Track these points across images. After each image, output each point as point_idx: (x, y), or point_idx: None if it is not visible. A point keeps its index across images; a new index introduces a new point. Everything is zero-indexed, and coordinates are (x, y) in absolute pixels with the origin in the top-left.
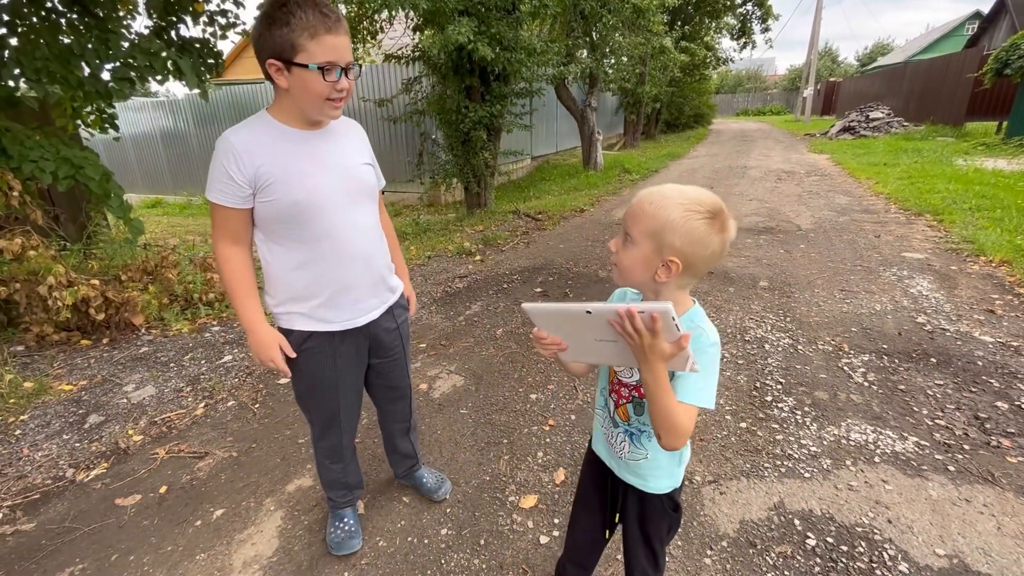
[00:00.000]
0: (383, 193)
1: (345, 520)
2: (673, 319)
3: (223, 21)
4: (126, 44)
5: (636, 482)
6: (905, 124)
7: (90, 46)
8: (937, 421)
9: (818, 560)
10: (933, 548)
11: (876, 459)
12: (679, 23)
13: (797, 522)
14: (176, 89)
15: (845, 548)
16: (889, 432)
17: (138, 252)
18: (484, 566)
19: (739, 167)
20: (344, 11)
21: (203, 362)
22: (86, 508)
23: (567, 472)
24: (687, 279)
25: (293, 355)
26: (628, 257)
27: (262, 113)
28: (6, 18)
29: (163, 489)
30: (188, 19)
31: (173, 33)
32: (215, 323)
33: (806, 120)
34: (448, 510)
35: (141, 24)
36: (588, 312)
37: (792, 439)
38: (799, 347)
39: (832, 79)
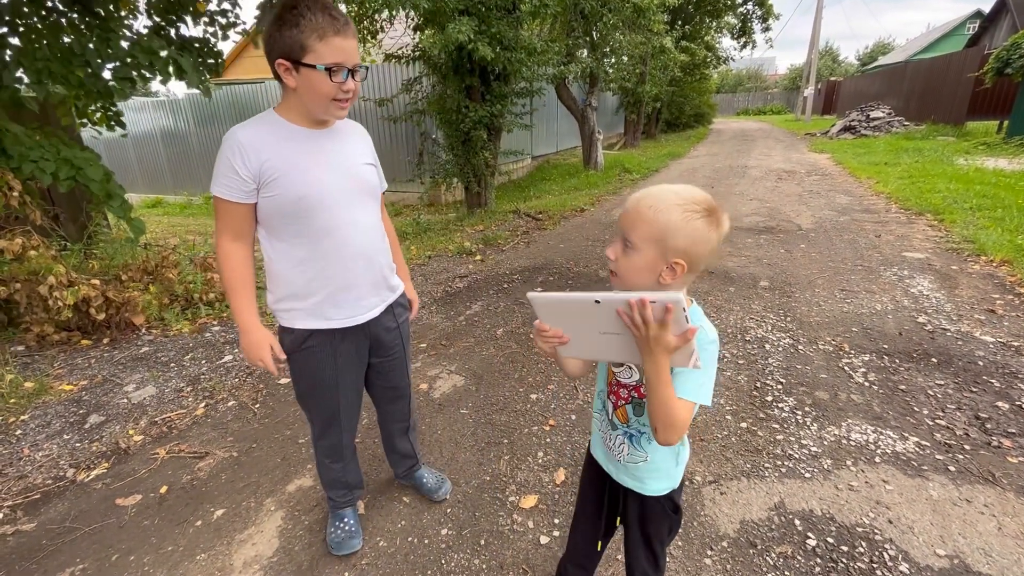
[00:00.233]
0: (383, 194)
1: (345, 520)
2: (684, 310)
3: (223, 21)
4: (127, 44)
5: (634, 485)
6: (906, 123)
7: (91, 46)
8: (938, 421)
9: (818, 560)
10: (934, 548)
11: (877, 459)
12: (679, 22)
13: (797, 522)
14: (176, 89)
15: (846, 548)
16: (890, 432)
17: (139, 252)
18: (484, 566)
19: (739, 166)
20: (345, 11)
21: (203, 362)
22: (86, 508)
23: (567, 472)
24: (687, 278)
25: (283, 357)
26: (630, 264)
27: (269, 111)
28: (7, 18)
29: (163, 489)
30: (188, 19)
31: (173, 32)
32: (215, 323)
33: (807, 119)
34: (448, 510)
35: (141, 24)
36: (597, 302)
37: (793, 439)
38: (800, 347)
39: (833, 78)
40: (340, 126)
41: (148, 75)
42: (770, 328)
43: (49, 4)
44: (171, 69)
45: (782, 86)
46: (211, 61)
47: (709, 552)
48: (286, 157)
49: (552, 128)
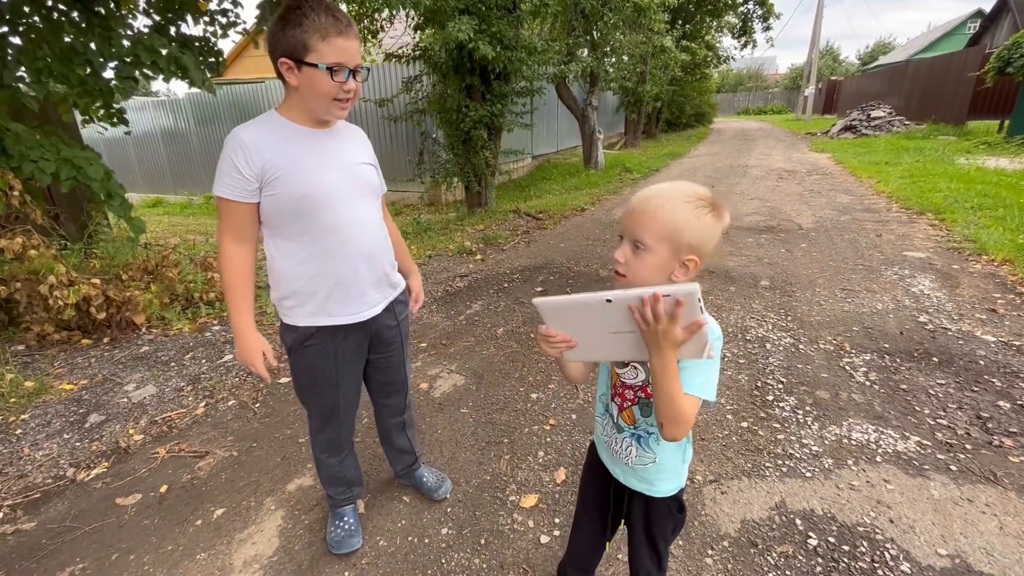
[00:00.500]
0: (383, 196)
1: (345, 519)
2: (699, 300)
3: (224, 20)
4: (128, 42)
5: (643, 487)
6: (907, 123)
7: (92, 45)
8: (939, 420)
9: (820, 560)
10: (935, 548)
11: (878, 459)
12: (680, 22)
13: (799, 522)
14: (177, 88)
15: (847, 548)
16: (891, 432)
17: (139, 251)
18: (485, 566)
19: (740, 166)
20: (345, 10)
21: (204, 361)
22: (86, 507)
23: (568, 471)
24: (694, 273)
25: (274, 364)
26: (643, 265)
27: (271, 112)
28: (7, 17)
29: (163, 488)
30: (189, 18)
31: (174, 31)
32: (215, 322)
33: (807, 119)
34: (448, 509)
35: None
36: (608, 301)
37: (793, 438)
38: (800, 346)
39: (833, 78)
40: (341, 127)
41: (150, 74)
42: (771, 327)
43: (49, 3)
44: (173, 67)
45: (783, 85)
46: (212, 60)
47: (710, 552)
48: (288, 156)
49: (552, 127)
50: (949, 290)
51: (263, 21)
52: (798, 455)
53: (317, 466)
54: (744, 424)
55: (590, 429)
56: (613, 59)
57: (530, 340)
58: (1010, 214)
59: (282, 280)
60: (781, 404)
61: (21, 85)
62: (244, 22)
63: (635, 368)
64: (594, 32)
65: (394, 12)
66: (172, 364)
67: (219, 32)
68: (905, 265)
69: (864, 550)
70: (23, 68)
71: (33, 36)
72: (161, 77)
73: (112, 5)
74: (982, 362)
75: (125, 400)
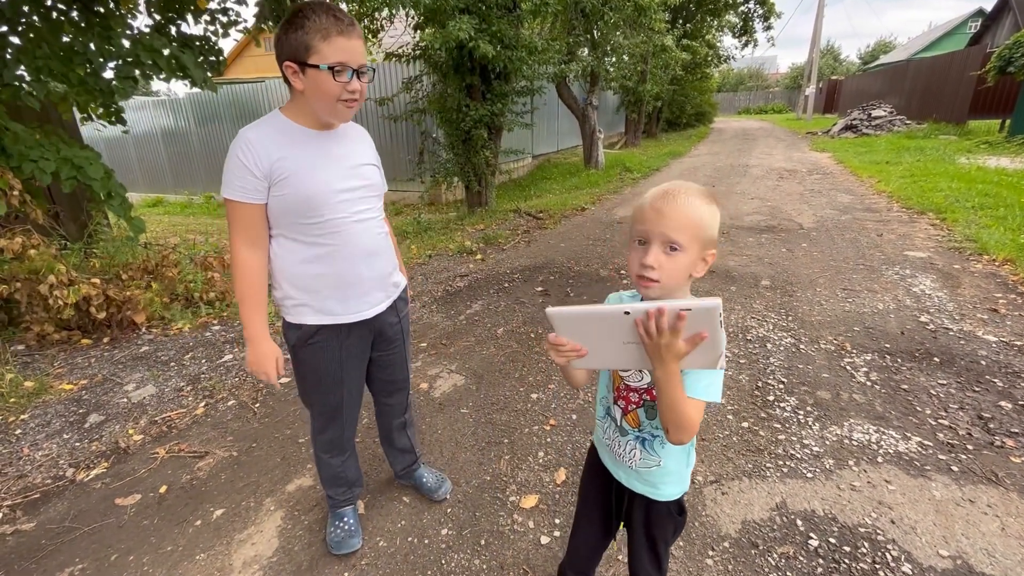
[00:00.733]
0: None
1: (345, 519)
2: (720, 314)
3: (224, 19)
4: (127, 42)
5: (647, 491)
6: (907, 122)
7: (92, 45)
8: (940, 421)
9: (821, 561)
10: (937, 549)
11: (879, 459)
12: (680, 21)
13: (799, 523)
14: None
15: (848, 549)
16: (892, 432)
17: (139, 251)
18: (485, 566)
19: (741, 165)
20: (344, 9)
21: (203, 361)
22: (86, 508)
23: (568, 472)
24: (709, 266)
25: (282, 373)
26: (677, 266)
27: (275, 112)
28: (7, 16)
29: (163, 489)
30: (189, 17)
31: (174, 30)
32: (215, 322)
33: (808, 118)
34: (448, 510)
35: (142, 23)
36: (626, 313)
37: (794, 439)
38: (801, 346)
39: (834, 77)
40: (344, 128)
41: (151, 73)
42: (771, 327)
43: (48, 2)
44: (173, 67)
45: (783, 85)
46: (212, 59)
47: (711, 552)
48: (296, 158)
49: (553, 127)
50: (950, 290)
51: (262, 19)
52: (799, 455)
53: (318, 466)
54: (745, 424)
55: (590, 429)
56: (613, 58)
57: (531, 340)
58: (1011, 214)
59: (286, 279)
60: (782, 404)
61: (22, 84)
62: (245, 21)
63: (640, 371)
64: (594, 31)
65: (394, 11)
66: (172, 364)
67: (220, 31)
68: (906, 265)
69: (865, 551)
70: (23, 67)
71: (32, 35)
72: (161, 77)
73: (112, 5)
74: (983, 362)
75: (125, 400)
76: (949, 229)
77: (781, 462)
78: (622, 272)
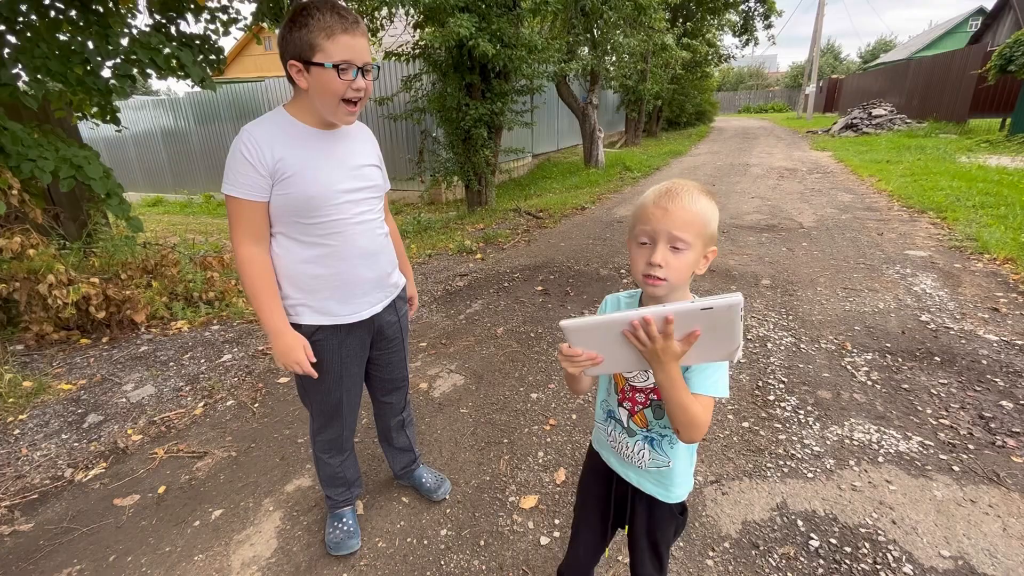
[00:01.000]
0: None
1: (344, 520)
2: (741, 310)
3: (224, 17)
4: (126, 41)
5: (659, 493)
6: (908, 121)
7: (90, 43)
8: (941, 420)
9: (821, 561)
10: (938, 549)
11: (880, 459)
12: (681, 20)
13: (800, 523)
14: (177, 87)
15: (849, 549)
16: (893, 432)
17: (138, 250)
18: (484, 567)
19: (741, 164)
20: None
21: (202, 361)
22: (84, 508)
23: (568, 472)
24: (711, 263)
25: (313, 359)
26: (683, 264)
27: (279, 109)
28: (4, 16)
29: (162, 489)
30: (189, 15)
31: (173, 29)
32: (215, 322)
33: (808, 117)
34: (448, 510)
35: (142, 22)
36: (647, 317)
37: (795, 439)
38: (802, 346)
39: (834, 76)
40: (348, 128)
41: (150, 72)
42: (772, 327)
43: (47, 1)
44: (172, 65)
45: (784, 84)
46: (212, 57)
47: (711, 553)
48: (299, 156)
49: (553, 126)
50: (951, 289)
51: (260, 16)
52: (800, 455)
53: (317, 466)
54: (745, 424)
55: (590, 429)
56: (613, 57)
57: (530, 340)
58: (1012, 212)
59: (286, 279)
60: (782, 404)
61: (20, 84)
62: (245, 19)
63: (646, 371)
64: (594, 30)
65: (393, 10)
66: (171, 364)
67: (220, 30)
68: (907, 264)
69: (866, 552)
70: (20, 66)
71: (30, 35)
72: (157, 75)
73: (111, 4)
74: (984, 361)
75: (124, 400)
76: (950, 228)
77: (782, 462)
78: (622, 271)
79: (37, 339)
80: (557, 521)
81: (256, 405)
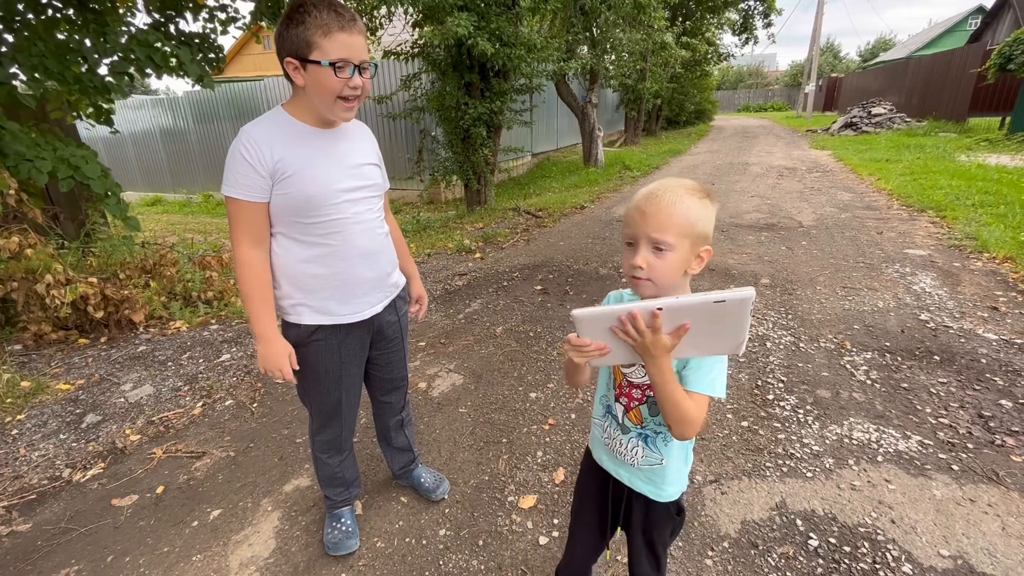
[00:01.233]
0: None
1: (342, 520)
2: (751, 303)
3: (223, 16)
4: (124, 39)
5: (650, 491)
6: (907, 120)
7: (87, 42)
8: (941, 419)
9: (820, 561)
10: (937, 549)
11: (879, 458)
12: (680, 18)
13: (799, 522)
14: (176, 86)
15: (848, 549)
16: (892, 431)
17: (136, 250)
18: (483, 567)
19: (740, 163)
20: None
21: (201, 361)
22: (82, 508)
23: (567, 472)
24: (706, 262)
25: (297, 368)
26: (667, 265)
27: (278, 109)
28: (0, 15)
29: (160, 489)
30: (188, 14)
31: (172, 28)
32: (213, 321)
33: (808, 116)
34: (446, 510)
35: (140, 21)
36: (659, 309)
37: (794, 438)
38: (801, 345)
39: (834, 75)
40: (347, 126)
41: (148, 71)
42: (771, 326)
43: (44, 0)
44: (171, 63)
45: (783, 82)
46: (211, 56)
47: (710, 553)
48: (299, 156)
49: (552, 125)
50: (950, 288)
51: (259, 15)
52: (799, 455)
53: (316, 466)
54: (744, 423)
55: (589, 429)
56: (613, 56)
57: (530, 339)
58: (1011, 211)
59: (286, 278)
60: (782, 403)
61: (17, 83)
62: (244, 17)
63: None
64: (594, 29)
65: (392, 9)
66: (169, 364)
67: (219, 28)
68: (906, 263)
69: (865, 551)
70: (17, 65)
71: (27, 33)
72: (156, 74)
73: (108, 2)
74: (984, 360)
75: (122, 400)
76: (949, 227)
77: (781, 461)
78: (621, 271)
79: (35, 339)
80: (556, 521)
81: (255, 405)
